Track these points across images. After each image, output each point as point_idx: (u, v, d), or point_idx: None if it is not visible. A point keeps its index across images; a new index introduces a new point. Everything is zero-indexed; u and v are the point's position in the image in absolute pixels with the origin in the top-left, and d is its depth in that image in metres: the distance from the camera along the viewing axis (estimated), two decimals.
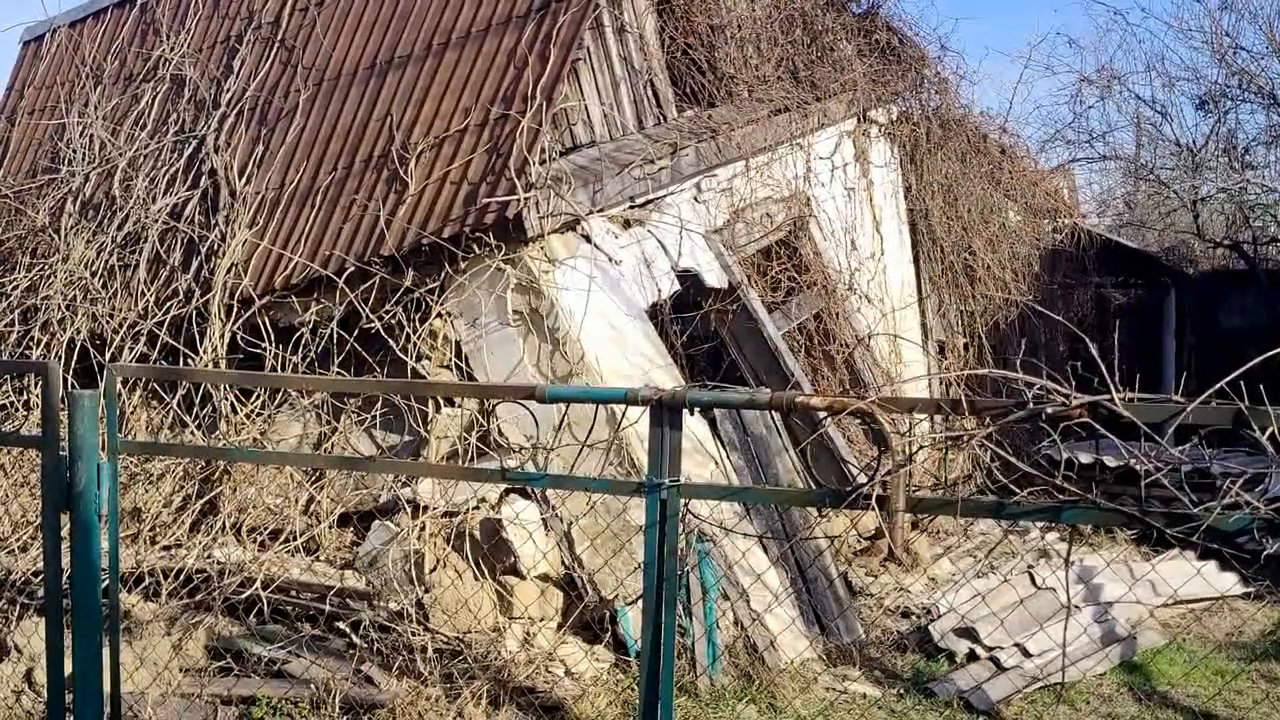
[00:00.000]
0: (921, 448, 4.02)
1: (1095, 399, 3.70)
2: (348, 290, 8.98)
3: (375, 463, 6.36)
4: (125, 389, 9.92)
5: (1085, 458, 10.83)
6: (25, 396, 10.31)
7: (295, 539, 8.57)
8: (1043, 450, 5.70)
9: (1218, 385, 3.60)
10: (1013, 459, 3.98)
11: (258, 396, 9.41)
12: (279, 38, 10.81)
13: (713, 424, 9.16)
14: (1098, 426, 3.73)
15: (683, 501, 4.52)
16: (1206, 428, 3.62)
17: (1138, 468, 3.82)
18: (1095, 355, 3.90)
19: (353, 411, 9.16)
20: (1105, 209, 24.48)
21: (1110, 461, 11.33)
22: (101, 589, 5.20)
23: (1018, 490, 4.02)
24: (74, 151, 11.48)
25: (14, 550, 9.24)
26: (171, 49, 11.51)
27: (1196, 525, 3.62)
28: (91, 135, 11.46)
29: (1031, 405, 3.77)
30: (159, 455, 8.88)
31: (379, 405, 9.02)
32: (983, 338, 13.83)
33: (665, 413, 4.32)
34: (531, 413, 4.55)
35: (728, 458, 9.09)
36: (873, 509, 4.03)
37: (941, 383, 13.22)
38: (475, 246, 8.67)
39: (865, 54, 13.17)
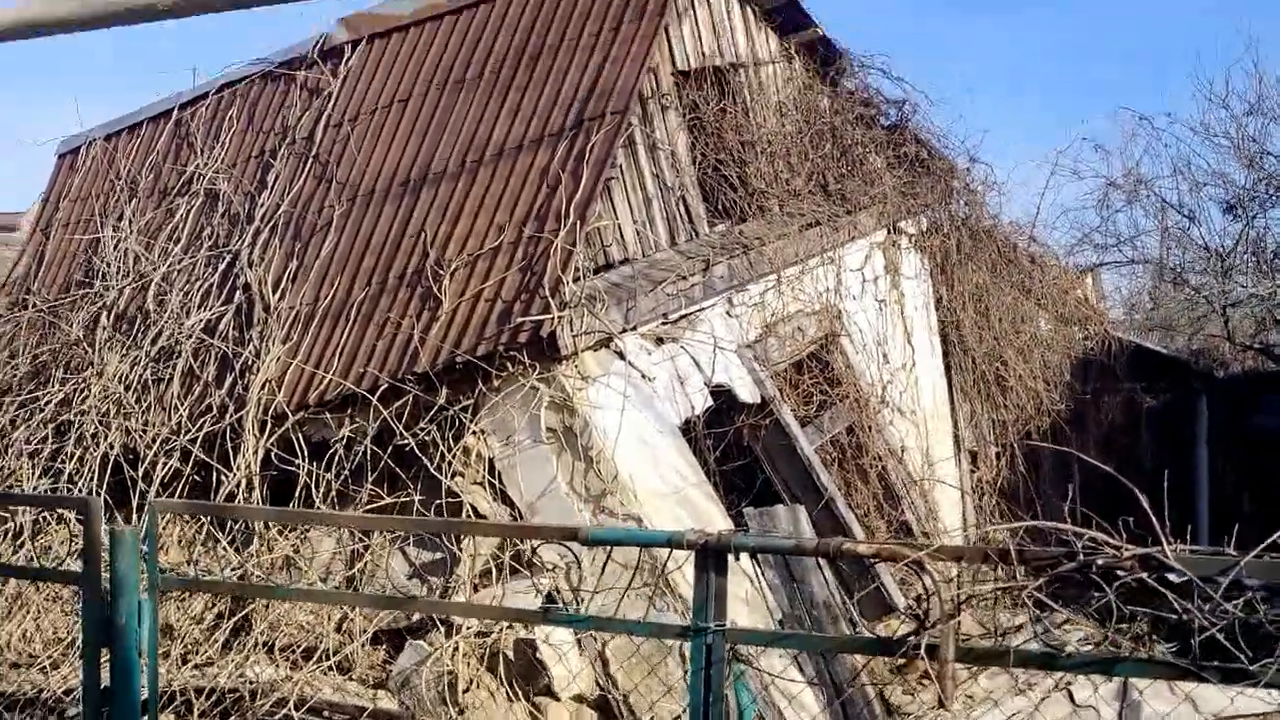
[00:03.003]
0: (970, 597, 3.98)
1: (1147, 551, 3.68)
2: (381, 408, 8.99)
3: (416, 602, 6.34)
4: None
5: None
6: (59, 512, 10.34)
7: (328, 657, 8.52)
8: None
9: (1271, 539, 3.58)
10: (1061, 610, 3.94)
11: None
12: (313, 153, 10.91)
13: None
14: (1148, 579, 3.69)
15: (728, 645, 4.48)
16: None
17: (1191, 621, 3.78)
18: (1148, 508, 3.86)
19: (387, 530, 9.14)
20: (1133, 312, 24.50)
21: (1175, 578, 11.18)
22: None
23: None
24: (108, 265, 11.56)
25: (45, 668, 9.21)
26: (206, 163, 11.61)
27: (1255, 681, 3.57)
28: (126, 249, 11.55)
29: (1082, 557, 3.74)
30: (200, 591, 8.87)
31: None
32: (1015, 447, 13.79)
33: (711, 557, 4.30)
34: (575, 554, 4.52)
35: (761, 575, 9.04)
36: (922, 659, 3.98)
37: (976, 495, 13.18)
38: (509, 364, 8.69)
39: (895, 166, 13.26)
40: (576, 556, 5.58)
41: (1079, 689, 9.55)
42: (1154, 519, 3.66)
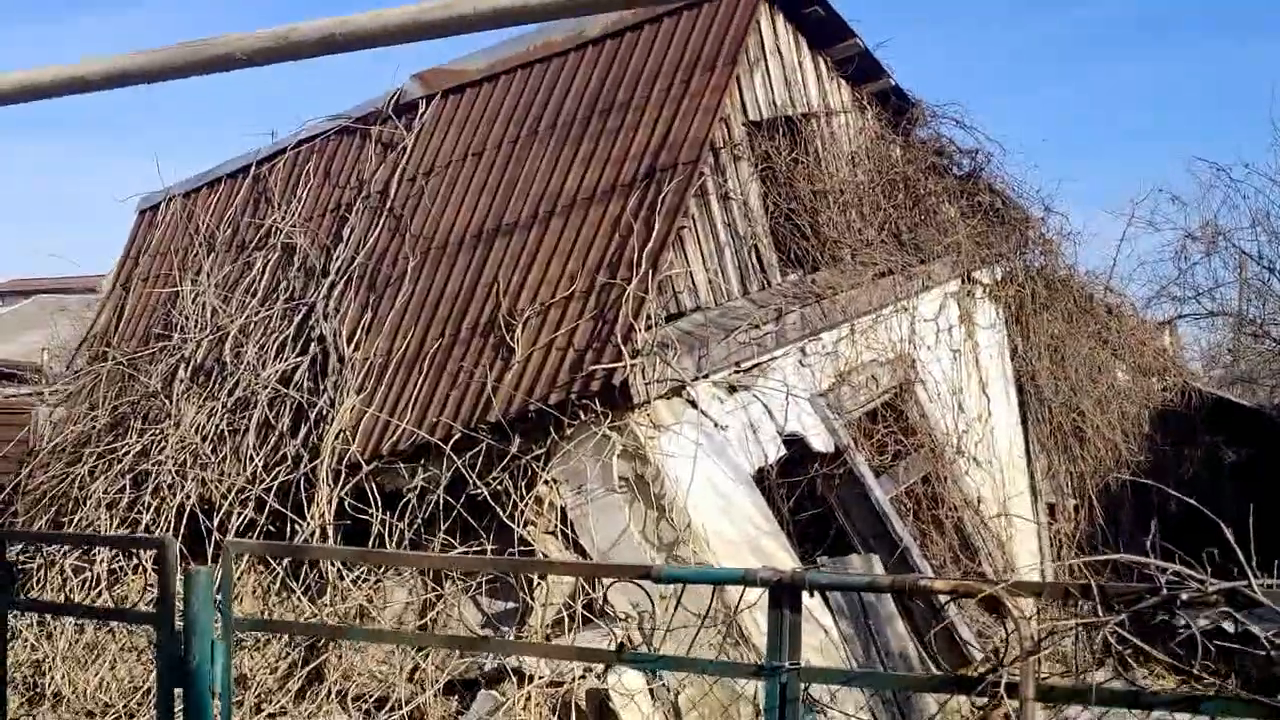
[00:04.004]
0: (1052, 633, 3.89)
1: (1233, 585, 3.58)
2: (454, 457, 9.01)
3: (490, 642, 6.31)
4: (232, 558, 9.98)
5: (1228, 626, 10.51)
6: (135, 560, 10.42)
7: (401, 707, 8.51)
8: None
9: None
10: (1146, 647, 3.85)
11: (365, 561, 9.42)
12: (388, 206, 11.01)
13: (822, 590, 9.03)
14: (1236, 615, 3.60)
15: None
16: None
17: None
18: (1231, 540, 3.77)
19: (459, 578, 9.14)
20: (1213, 365, 24.14)
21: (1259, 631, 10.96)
22: None
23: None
24: (186, 318, 11.70)
25: (120, 717, 9.26)
26: (283, 217, 11.75)
27: None
28: (204, 302, 11.68)
29: (1165, 591, 3.66)
30: (274, 632, 8.92)
31: (484, 572, 8.98)
32: (1093, 499, 13.59)
33: (785, 594, 4.25)
34: (647, 592, 4.48)
35: (836, 624, 8.94)
36: (1002, 697, 3.90)
37: (1054, 548, 13.00)
38: (581, 413, 8.69)
39: (969, 215, 13.18)
40: (652, 600, 5.54)
41: None
42: (1239, 553, 3.57)
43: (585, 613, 8.61)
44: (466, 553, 8.94)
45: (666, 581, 4.48)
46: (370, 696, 8.77)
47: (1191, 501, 4.34)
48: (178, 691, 5.22)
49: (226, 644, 5.14)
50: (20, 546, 10.85)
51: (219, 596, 5.22)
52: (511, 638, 8.57)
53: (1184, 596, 3.63)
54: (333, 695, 8.79)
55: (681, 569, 5.14)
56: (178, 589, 5.14)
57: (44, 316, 46.84)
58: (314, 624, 8.45)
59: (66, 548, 10.69)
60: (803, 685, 4.31)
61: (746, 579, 4.31)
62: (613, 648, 8.49)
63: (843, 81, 12.14)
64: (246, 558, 9.81)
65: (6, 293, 62.66)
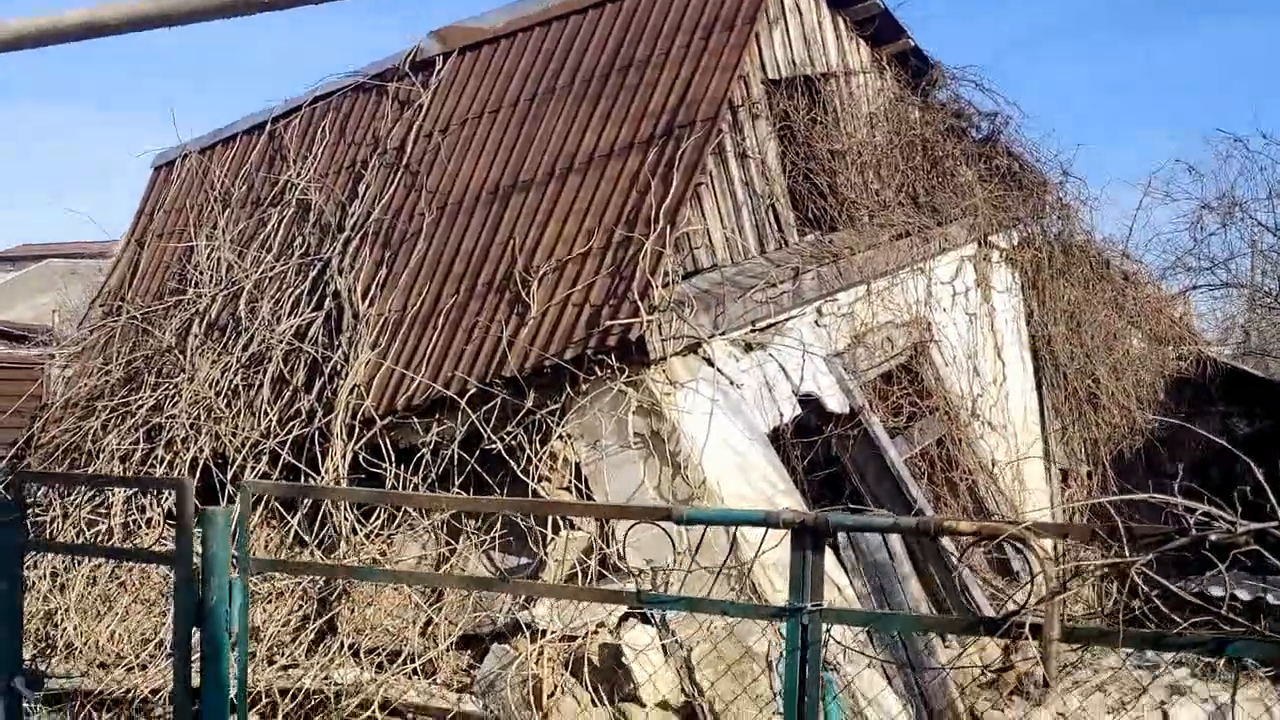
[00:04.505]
0: (1079, 572, 3.86)
1: (1263, 526, 3.55)
2: (470, 411, 8.99)
3: (509, 584, 6.30)
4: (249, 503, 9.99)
5: (1244, 594, 10.44)
6: (148, 515, 10.42)
7: (414, 661, 8.51)
8: (1195, 584, 5.51)
9: None
10: (1175, 589, 3.81)
11: (377, 517, 9.42)
12: (403, 163, 10.98)
13: (834, 550, 9.02)
14: (1267, 555, 3.57)
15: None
16: None
17: None
18: (1261, 479, 3.74)
19: (472, 533, 9.13)
20: (1227, 336, 24.03)
21: (1274, 599, 10.93)
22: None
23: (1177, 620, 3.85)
24: (201, 274, 11.69)
25: (134, 667, 9.27)
26: (298, 174, 11.73)
27: None
28: (219, 258, 11.67)
29: (1194, 532, 3.62)
30: (290, 573, 8.92)
31: (498, 527, 8.97)
32: (1107, 465, 13.55)
33: (808, 536, 4.23)
34: (668, 533, 4.46)
35: (851, 584, 8.93)
36: (1026, 637, 3.87)
37: (1065, 511, 12.97)
38: (597, 369, 8.67)
39: (986, 179, 13.12)
40: (674, 547, 5.50)
41: (1175, 710, 9.35)
42: (1270, 491, 3.53)
43: (600, 568, 8.61)
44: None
45: (687, 523, 4.46)
46: (382, 650, 8.79)
47: (1221, 442, 4.29)
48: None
49: (243, 582, 5.13)
50: (35, 497, 10.86)
51: (236, 536, 5.21)
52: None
53: (1213, 537, 3.59)
54: (345, 649, 8.80)
55: (703, 510, 5.12)
56: (195, 530, 5.13)
57: (55, 280, 46.98)
58: (332, 565, 8.46)
59: (81, 500, 10.71)
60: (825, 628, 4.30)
61: (769, 520, 4.28)
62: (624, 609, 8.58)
63: (862, 42, 12.08)
64: (260, 510, 9.83)
65: (18, 257, 62.73)
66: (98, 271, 44.02)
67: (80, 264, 48.32)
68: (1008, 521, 3.87)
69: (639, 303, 8.60)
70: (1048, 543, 4.53)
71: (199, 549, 5.16)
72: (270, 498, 9.63)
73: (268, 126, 12.53)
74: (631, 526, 5.22)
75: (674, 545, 7.37)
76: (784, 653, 4.30)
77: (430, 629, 8.87)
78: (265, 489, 8.55)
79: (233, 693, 5.18)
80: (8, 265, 62.42)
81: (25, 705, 6.05)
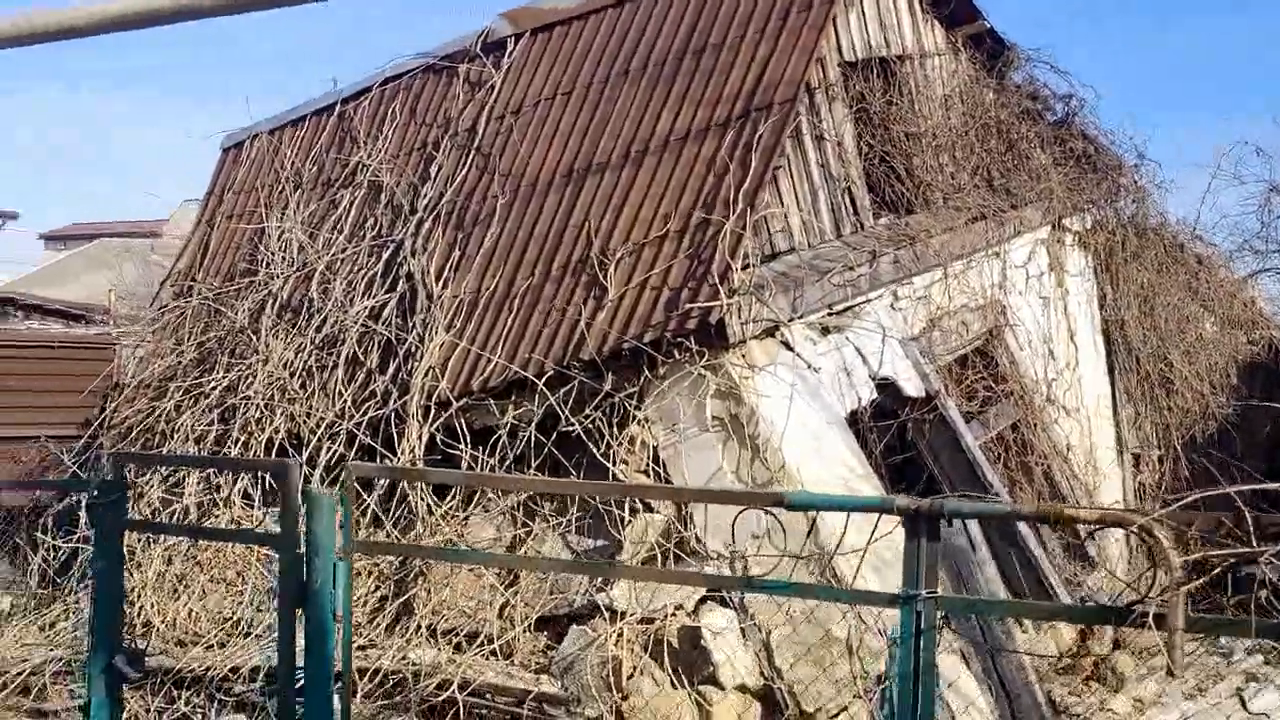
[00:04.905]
0: (1203, 564, 3.82)
1: None
2: (548, 393, 9.01)
3: (615, 568, 6.32)
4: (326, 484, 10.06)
5: None
6: (225, 493, 10.49)
7: (492, 642, 8.55)
8: None
9: None
10: None
11: (453, 497, 9.46)
12: (475, 145, 10.97)
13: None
14: None
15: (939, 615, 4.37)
16: None
17: None
18: None
19: (549, 515, 9.15)
20: None
21: None
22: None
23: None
24: (272, 255, 11.73)
25: (212, 645, 9.35)
26: (369, 155, 11.75)
27: None
28: (290, 239, 11.71)
29: None
30: (392, 555, 8.97)
31: (574, 509, 9.00)
32: (1179, 450, 13.44)
33: (922, 523, 4.21)
34: (779, 520, 4.45)
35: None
36: (1149, 627, 3.84)
37: (1137, 498, 12.88)
38: (676, 352, 8.67)
39: (1060, 162, 13.03)
40: (779, 529, 5.50)
41: (1252, 696, 9.30)
42: None
43: (678, 551, 8.62)
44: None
45: (800, 508, 4.45)
46: (460, 631, 8.83)
47: None
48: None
49: (347, 564, 5.17)
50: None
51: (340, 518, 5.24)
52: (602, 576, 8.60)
53: None
54: (422, 629, 8.85)
55: (815, 496, 5.09)
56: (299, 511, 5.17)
57: (108, 259, 47.32)
58: (436, 548, 8.51)
59: (154, 480, 10.79)
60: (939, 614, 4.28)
61: (884, 506, 4.27)
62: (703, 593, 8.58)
63: (937, 23, 12.02)
64: (337, 489, 9.88)
65: (69, 236, 63.25)
66: (150, 250, 44.34)
67: (133, 243, 48.73)
68: (1132, 511, 3.84)
69: (719, 286, 8.58)
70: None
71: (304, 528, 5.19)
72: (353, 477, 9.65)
73: (337, 108, 12.54)
74: (741, 512, 5.21)
75: (745, 531, 7.37)
76: (898, 639, 4.28)
77: (507, 610, 8.91)
78: (368, 471, 8.59)
79: (337, 670, 5.22)
80: (59, 244, 62.92)
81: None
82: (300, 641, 5.23)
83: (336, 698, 5.27)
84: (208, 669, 8.94)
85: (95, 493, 5.77)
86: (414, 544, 8.83)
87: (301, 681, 5.18)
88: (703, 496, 6.81)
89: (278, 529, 9.68)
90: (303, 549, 5.15)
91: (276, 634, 5.30)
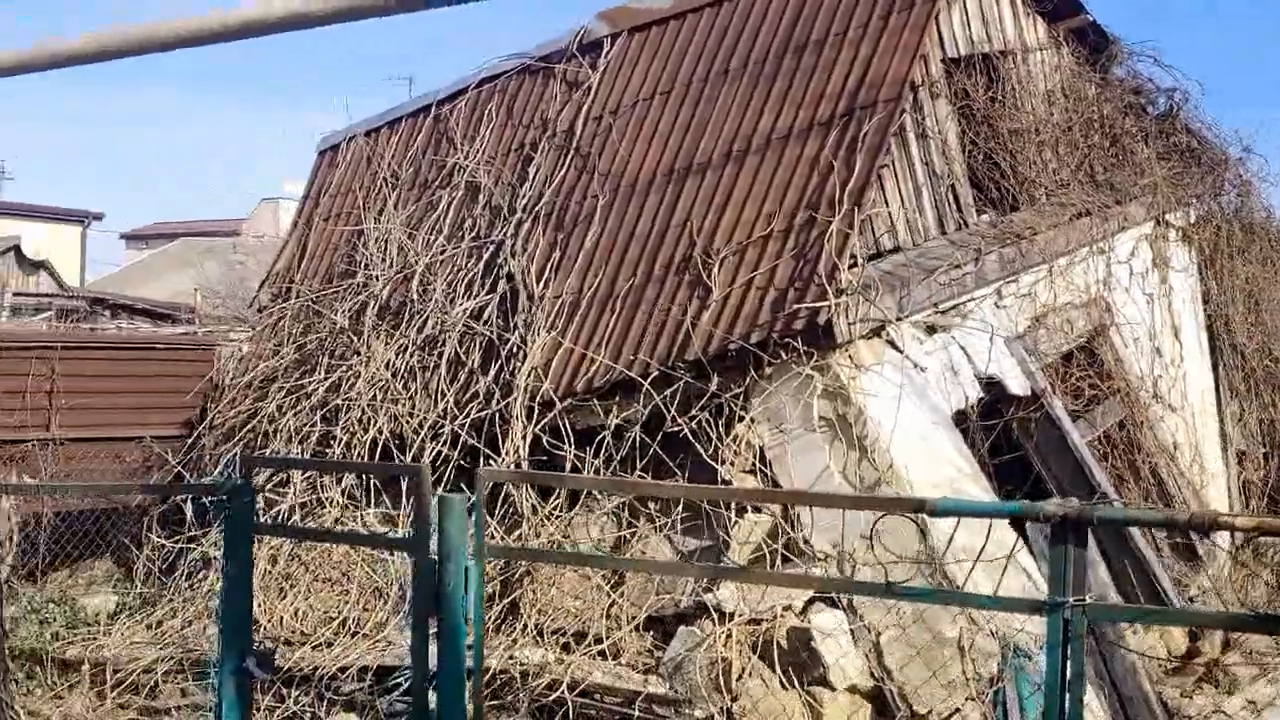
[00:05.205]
0: None
1: None
2: (653, 393, 9.02)
3: (749, 573, 6.31)
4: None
5: None
6: (328, 493, 10.58)
7: (600, 642, 8.57)
8: None
9: None
10: None
11: (556, 496, 9.50)
12: (573, 145, 10.99)
13: (1022, 534, 8.91)
14: None
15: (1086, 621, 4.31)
16: None
17: None
18: None
19: (653, 515, 9.16)
20: None
21: None
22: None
23: None
24: (371, 256, 11.80)
25: (319, 645, 9.44)
26: (466, 156, 11.79)
27: None
28: (389, 240, 11.78)
29: None
30: (523, 560, 9.03)
31: (678, 509, 8.99)
32: None
33: (1070, 529, 4.17)
34: (921, 526, 4.42)
35: (1038, 568, 8.82)
36: None
37: (1242, 496, 12.72)
38: (782, 352, 8.66)
39: (1165, 156, 12.87)
40: (911, 535, 5.44)
41: None
42: None
43: (785, 552, 8.60)
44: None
45: (942, 514, 4.42)
46: (566, 632, 8.86)
47: None
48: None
49: (479, 568, 5.19)
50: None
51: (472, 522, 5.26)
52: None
53: None
54: (530, 629, 8.89)
55: (958, 502, 5.04)
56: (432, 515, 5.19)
57: (190, 258, 47.93)
58: (568, 552, 8.57)
59: (261, 482, 10.90)
60: (1087, 621, 4.23)
61: (1027, 513, 4.23)
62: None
63: (1039, 18, 11.91)
64: (442, 487, 9.94)
65: (150, 236, 64.13)
66: (232, 250, 44.76)
67: (216, 242, 49.31)
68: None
69: (826, 286, 8.57)
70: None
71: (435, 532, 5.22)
72: (453, 474, 9.70)
73: (433, 110, 12.60)
74: (881, 517, 5.19)
75: (853, 531, 7.33)
76: (1014, 647, 4.24)
77: (613, 610, 8.93)
78: (502, 476, 8.67)
79: (469, 678, 5.25)
80: (140, 243, 63.86)
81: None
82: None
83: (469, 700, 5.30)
84: (315, 668, 9.01)
85: (225, 497, 5.82)
86: (551, 550, 8.87)
87: (434, 682, 5.21)
88: (844, 503, 6.75)
89: (385, 529, 9.86)
90: (434, 552, 5.17)
91: (409, 636, 5.34)
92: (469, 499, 5.25)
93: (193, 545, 10.88)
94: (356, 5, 5.74)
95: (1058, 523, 4.18)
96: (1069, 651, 4.20)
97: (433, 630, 5.24)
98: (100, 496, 11.94)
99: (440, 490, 9.96)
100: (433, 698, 5.25)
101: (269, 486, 10.76)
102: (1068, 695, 4.21)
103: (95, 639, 10.41)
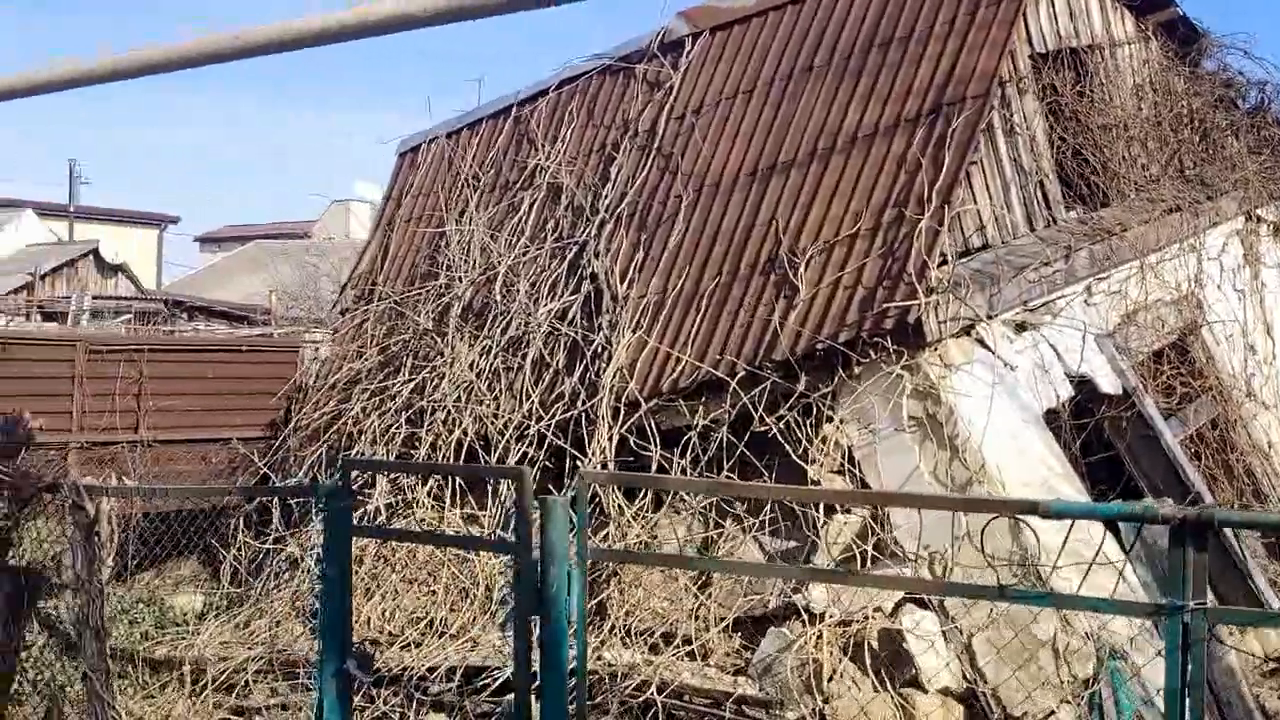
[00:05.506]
0: None
1: None
2: (741, 393, 8.99)
3: (854, 576, 6.26)
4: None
5: None
6: (412, 495, 10.63)
7: (689, 643, 8.55)
8: None
9: None
10: None
11: (642, 496, 9.49)
12: (655, 145, 10.97)
13: (1114, 533, 8.79)
14: None
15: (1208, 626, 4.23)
16: None
17: None
18: None
19: (741, 516, 9.12)
20: None
21: None
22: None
23: None
24: (454, 257, 11.84)
25: (408, 645, 9.48)
26: (547, 157, 11.80)
27: None
28: (472, 242, 11.80)
29: None
30: (629, 563, 9.01)
31: (766, 510, 8.95)
32: None
33: (1189, 531, 4.09)
34: (1033, 530, 4.35)
35: (1135, 572, 8.71)
36: None
37: None
38: (871, 351, 8.61)
39: (1256, 150, 12.68)
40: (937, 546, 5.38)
41: None
42: None
43: (874, 553, 8.54)
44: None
45: (1055, 516, 4.34)
46: (653, 633, 8.84)
47: None
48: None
49: (582, 571, 5.17)
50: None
51: (574, 524, 5.25)
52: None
53: None
54: (617, 629, 8.88)
55: (1071, 504, 4.96)
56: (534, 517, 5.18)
57: (262, 260, 48.41)
58: (670, 554, 8.55)
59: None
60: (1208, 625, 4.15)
61: (1145, 515, 4.15)
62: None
63: (1127, 11, 11.77)
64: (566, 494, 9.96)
65: (222, 239, 64.90)
66: (306, 252, 45.11)
67: (290, 244, 49.80)
68: None
69: (915, 284, 8.51)
70: None
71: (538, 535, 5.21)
72: (538, 475, 9.71)
73: (512, 111, 12.62)
74: (992, 520, 5.13)
75: (944, 532, 7.26)
76: (1108, 652, 4.16)
77: (700, 611, 8.90)
78: (601, 478, 8.68)
79: (572, 679, 5.23)
80: (213, 246, 64.67)
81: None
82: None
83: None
84: (404, 669, 9.04)
85: (324, 499, 5.84)
86: (655, 553, 8.89)
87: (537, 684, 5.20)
88: (954, 505, 6.69)
89: (470, 531, 9.89)
90: (537, 555, 5.16)
91: (509, 637, 5.33)
92: (568, 500, 5.23)
93: (279, 546, 10.98)
94: (463, 5, 5.75)
95: (1176, 525, 4.11)
96: (1190, 656, 4.12)
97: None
98: (188, 498, 12.07)
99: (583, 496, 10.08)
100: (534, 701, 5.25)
101: (355, 488, 10.82)
102: (1188, 700, 4.14)
103: (184, 639, 10.51)
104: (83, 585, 6.78)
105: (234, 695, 9.51)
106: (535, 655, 5.23)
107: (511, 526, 7.10)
